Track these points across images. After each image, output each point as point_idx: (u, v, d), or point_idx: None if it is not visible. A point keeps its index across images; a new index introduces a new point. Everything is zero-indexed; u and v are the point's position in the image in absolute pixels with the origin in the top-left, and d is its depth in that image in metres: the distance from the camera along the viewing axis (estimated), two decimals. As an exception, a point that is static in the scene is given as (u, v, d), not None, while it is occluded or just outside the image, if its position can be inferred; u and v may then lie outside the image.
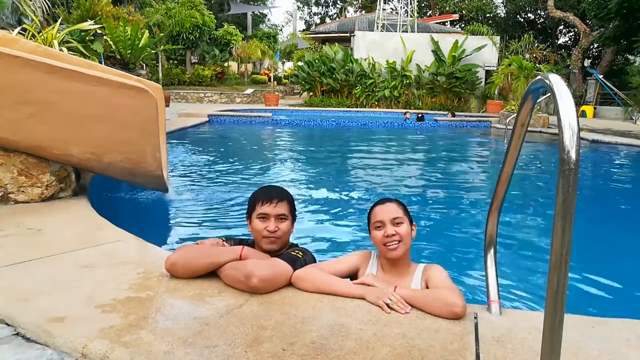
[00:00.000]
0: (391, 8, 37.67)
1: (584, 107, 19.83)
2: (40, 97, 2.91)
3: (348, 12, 50.16)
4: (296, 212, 2.32)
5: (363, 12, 43.38)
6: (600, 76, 20.79)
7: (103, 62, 11.10)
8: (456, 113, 17.31)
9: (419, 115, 15.65)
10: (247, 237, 2.43)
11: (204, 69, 24.29)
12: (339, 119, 15.12)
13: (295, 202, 2.34)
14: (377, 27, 26.61)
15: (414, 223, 2.12)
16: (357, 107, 19.68)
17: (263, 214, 2.16)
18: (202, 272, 2.07)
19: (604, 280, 3.18)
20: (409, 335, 1.66)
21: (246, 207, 2.29)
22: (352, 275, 2.18)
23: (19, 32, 5.44)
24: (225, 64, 27.46)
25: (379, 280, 2.01)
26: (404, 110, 17.31)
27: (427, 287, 2.02)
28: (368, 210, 2.15)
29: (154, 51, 18.39)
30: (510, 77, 16.87)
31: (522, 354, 1.57)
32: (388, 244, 2.01)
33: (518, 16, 33.91)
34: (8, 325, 1.71)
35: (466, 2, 34.09)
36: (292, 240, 2.36)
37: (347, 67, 19.83)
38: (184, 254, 2.08)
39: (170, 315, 1.77)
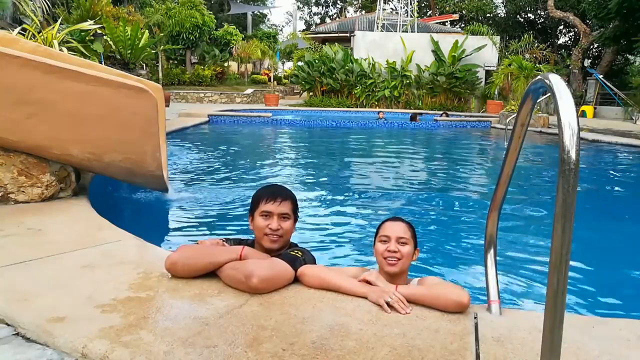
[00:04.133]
0: (391, 8, 37.69)
1: (584, 107, 19.84)
2: (40, 97, 2.91)
3: (348, 12, 50.18)
4: (299, 212, 2.32)
5: (363, 12, 43.37)
6: (600, 76, 20.80)
7: (103, 62, 11.10)
8: (452, 113, 17.32)
9: (412, 114, 15.53)
10: (247, 237, 2.43)
11: (204, 69, 24.28)
12: (338, 119, 15.12)
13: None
14: (377, 27, 26.62)
15: (417, 248, 2.17)
16: (357, 107, 19.68)
17: (266, 211, 2.17)
18: (202, 272, 2.07)
19: (604, 280, 3.18)
20: (409, 335, 1.66)
21: (246, 207, 2.30)
22: None
23: (19, 32, 5.44)
24: (225, 64, 27.46)
25: (381, 279, 2.01)
26: (378, 110, 17.19)
27: None
28: (378, 224, 2.21)
29: (154, 51, 18.42)
30: (510, 77, 16.87)
31: (522, 354, 1.57)
32: (388, 259, 2.06)
33: (518, 16, 33.90)
34: (8, 325, 1.71)
35: (466, 2, 34.06)
36: (292, 239, 2.36)
37: (347, 67, 19.82)
38: (184, 254, 2.08)
39: (170, 315, 1.77)
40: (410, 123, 14.79)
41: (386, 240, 2.09)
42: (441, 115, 16.44)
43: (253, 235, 2.30)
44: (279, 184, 2.55)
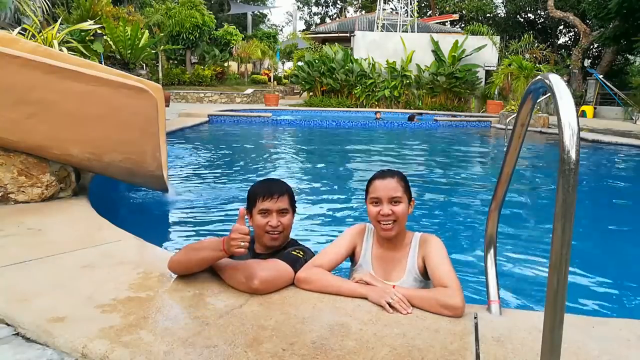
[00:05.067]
0: (391, 8, 37.68)
1: (584, 107, 19.84)
2: (40, 97, 2.91)
3: (348, 12, 50.19)
4: (296, 203, 2.30)
5: (363, 12, 43.38)
6: (600, 76, 20.80)
7: (103, 62, 11.10)
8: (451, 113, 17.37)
9: (410, 115, 15.56)
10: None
11: (204, 69, 24.29)
12: (338, 119, 15.13)
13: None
14: (377, 27, 26.62)
15: (412, 199, 2.08)
16: (357, 107, 19.68)
17: (264, 209, 2.15)
18: (195, 269, 2.07)
19: (604, 280, 3.18)
20: (409, 335, 1.66)
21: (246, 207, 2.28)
22: (351, 254, 2.19)
23: (19, 32, 5.45)
24: (225, 64, 27.46)
25: (376, 279, 2.01)
26: (375, 110, 17.19)
27: (424, 265, 2.01)
28: (368, 179, 2.09)
29: (154, 51, 18.42)
30: (510, 77, 16.88)
31: (522, 354, 1.57)
32: (382, 223, 1.99)
33: (518, 16, 33.90)
34: (8, 325, 1.71)
35: (466, 2, 34.06)
36: (291, 237, 2.35)
37: (347, 67, 19.83)
38: (180, 253, 2.09)
39: (170, 315, 1.77)
40: (411, 123, 14.80)
41: (377, 202, 1.98)
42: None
43: (252, 231, 2.29)
44: (273, 177, 2.52)
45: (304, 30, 41.28)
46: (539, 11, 32.91)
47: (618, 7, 18.66)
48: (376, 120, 14.95)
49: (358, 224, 2.26)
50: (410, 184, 2.12)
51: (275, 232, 2.15)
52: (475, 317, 1.82)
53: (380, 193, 1.99)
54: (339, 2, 52.44)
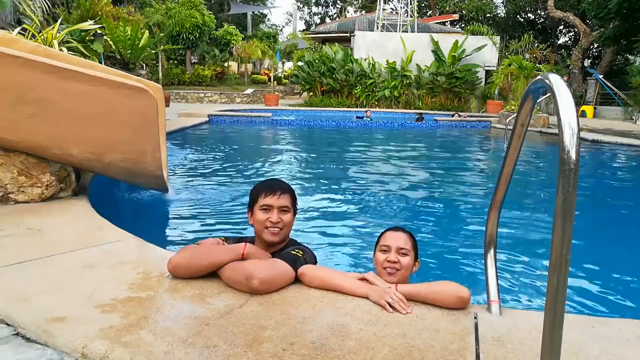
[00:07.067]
0: (391, 8, 37.65)
1: (584, 107, 19.83)
2: (40, 97, 2.91)
3: (348, 12, 50.19)
4: (297, 206, 2.33)
5: (363, 12, 43.39)
6: (600, 76, 20.80)
7: (103, 62, 11.09)
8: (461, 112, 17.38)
9: (419, 115, 15.57)
10: (246, 236, 2.43)
11: (204, 69, 24.29)
12: (338, 119, 15.12)
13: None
14: (377, 27, 26.61)
15: (418, 260, 2.17)
16: (357, 107, 19.67)
17: (266, 205, 2.17)
18: (204, 273, 2.07)
19: (605, 280, 3.18)
20: (409, 335, 1.66)
21: (246, 206, 2.30)
22: None
23: (19, 32, 5.44)
24: (225, 64, 27.46)
25: (380, 279, 2.02)
26: (365, 109, 17.11)
27: None
28: (380, 233, 2.21)
29: (154, 51, 18.38)
30: (510, 77, 16.87)
31: (522, 354, 1.57)
32: (387, 269, 2.06)
33: (518, 16, 33.91)
34: (8, 325, 1.71)
35: (466, 2, 34.07)
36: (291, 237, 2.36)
37: (347, 67, 19.83)
38: (185, 256, 2.07)
39: (170, 315, 1.77)
40: (410, 123, 14.80)
41: (386, 250, 2.09)
42: (452, 116, 16.44)
43: (253, 233, 2.30)
44: (277, 178, 2.56)
45: (304, 30, 41.31)
46: (539, 11, 32.91)
47: (618, 7, 18.66)
48: (364, 118, 14.79)
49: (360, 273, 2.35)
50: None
51: (276, 228, 2.17)
52: (475, 317, 1.82)
53: (390, 242, 2.10)
54: (339, 2, 52.44)
